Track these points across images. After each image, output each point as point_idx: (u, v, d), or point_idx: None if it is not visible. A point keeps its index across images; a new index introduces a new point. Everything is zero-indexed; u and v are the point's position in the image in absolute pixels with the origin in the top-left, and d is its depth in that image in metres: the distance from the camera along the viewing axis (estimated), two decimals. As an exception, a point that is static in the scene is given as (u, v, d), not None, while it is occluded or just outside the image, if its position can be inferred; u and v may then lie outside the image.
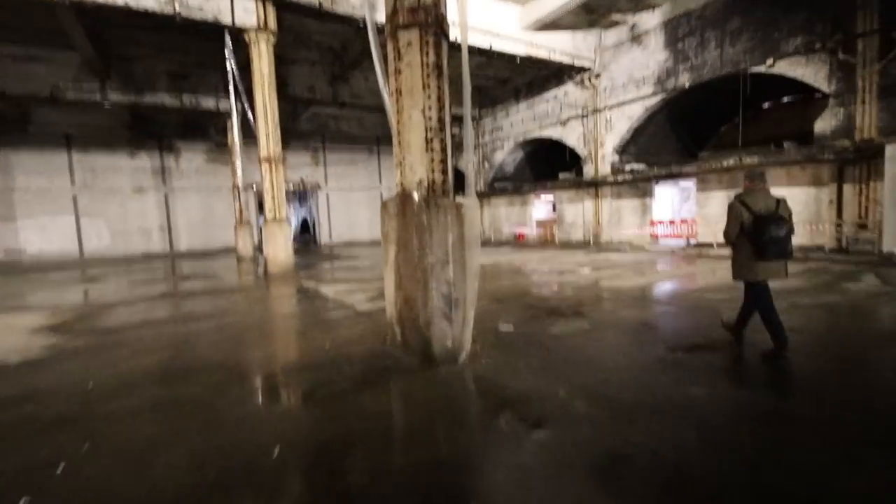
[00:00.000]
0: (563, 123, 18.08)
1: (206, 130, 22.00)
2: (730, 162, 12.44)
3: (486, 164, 23.10)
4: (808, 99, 16.24)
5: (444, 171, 3.68)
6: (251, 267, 12.85)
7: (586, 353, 3.87)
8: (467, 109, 3.82)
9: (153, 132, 21.20)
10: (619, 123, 15.99)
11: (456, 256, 3.59)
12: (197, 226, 22.31)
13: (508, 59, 15.02)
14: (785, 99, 16.77)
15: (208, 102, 16.94)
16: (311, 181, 26.00)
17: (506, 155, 21.94)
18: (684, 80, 13.80)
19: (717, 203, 13.06)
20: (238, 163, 16.71)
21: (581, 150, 17.57)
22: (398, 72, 3.58)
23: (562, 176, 18.84)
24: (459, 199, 3.76)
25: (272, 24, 10.12)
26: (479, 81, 20.78)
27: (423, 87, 3.53)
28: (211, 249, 21.83)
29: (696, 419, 2.53)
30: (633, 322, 4.88)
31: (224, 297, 7.53)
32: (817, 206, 11.33)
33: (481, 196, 23.51)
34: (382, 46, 3.85)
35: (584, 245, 16.81)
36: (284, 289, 8.48)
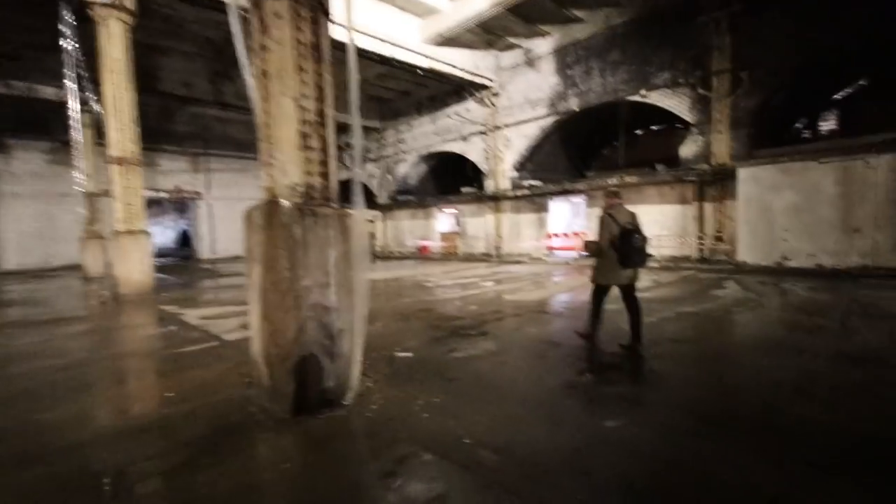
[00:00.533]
0: (465, 139, 18.31)
1: (49, 126, 18.28)
2: (613, 180, 13.47)
3: (390, 177, 22.57)
4: (672, 128, 18.52)
5: (326, 175, 3.04)
6: (101, 288, 10.60)
7: (493, 380, 3.46)
8: (355, 106, 3.24)
9: (-31, 124, 17.04)
10: (518, 141, 16.60)
11: (340, 278, 2.95)
12: (32, 239, 18.29)
13: (410, 70, 14.77)
14: (654, 127, 18.91)
15: (47, 91, 14.01)
16: (190, 189, 23.04)
17: (409, 168, 21.64)
18: (573, 103, 14.75)
19: (604, 218, 14.01)
20: (83, 164, 13.99)
21: (483, 166, 17.90)
22: (264, 49, 2.87)
23: (464, 190, 19.02)
24: (349, 209, 3.13)
25: (128, 1, 8.53)
26: (380, 92, 20.28)
27: (297, 70, 2.87)
28: (50, 268, 17.99)
29: (618, 465, 2.19)
30: (538, 340, 4.64)
31: (47, 331, 5.86)
32: (684, 221, 12.69)
33: (385, 209, 22.86)
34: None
35: (486, 257, 17.02)
36: (136, 316, 6.94)
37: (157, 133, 21.50)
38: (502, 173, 17.22)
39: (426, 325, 5.49)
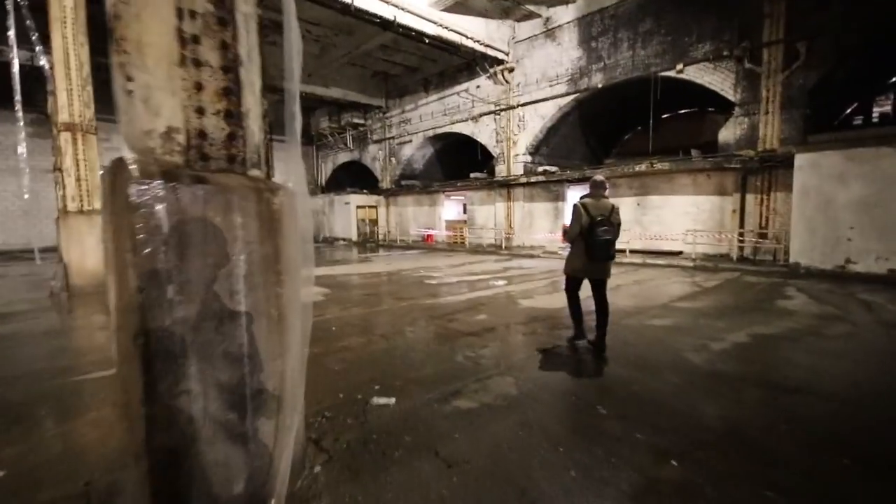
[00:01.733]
0: (476, 119, 16.83)
1: (33, 96, 17.00)
2: (641, 167, 12.01)
3: (393, 160, 21.16)
4: (702, 112, 16.92)
5: (235, 118, 1.72)
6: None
7: (517, 468, 2.16)
8: (295, 64, 1.92)
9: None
10: (533, 122, 15.11)
11: (259, 301, 1.66)
12: (14, 218, 17.19)
13: (416, 38, 13.28)
14: (683, 111, 17.29)
15: (8, 55, 12.63)
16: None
17: (414, 150, 20.21)
18: (597, 80, 13.21)
19: (627, 209, 12.61)
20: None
21: (494, 149, 16.46)
22: None
23: (473, 175, 17.61)
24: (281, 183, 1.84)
25: (81, -64, 7.15)
26: (385, 67, 18.78)
27: (174, -85, 1.53)
28: (31, 249, 16.83)
29: None
30: (570, 375, 3.34)
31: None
32: (721, 215, 11.24)
33: (388, 194, 21.51)
34: None
35: (495, 249, 15.68)
36: (79, 316, 5.73)
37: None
38: (515, 157, 15.77)
39: (422, 347, 4.20)
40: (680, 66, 11.47)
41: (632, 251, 11.84)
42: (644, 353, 3.83)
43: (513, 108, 15.44)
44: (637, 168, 12.05)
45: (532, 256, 13.23)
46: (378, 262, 12.61)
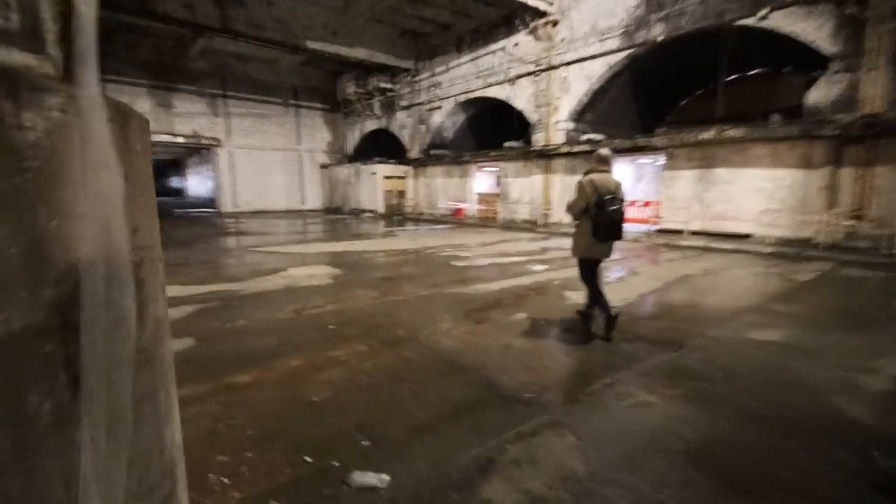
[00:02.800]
0: (512, 82, 15.21)
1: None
2: (708, 134, 10.29)
3: (423, 128, 19.83)
4: (776, 74, 14.67)
5: None
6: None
7: None
8: None
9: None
10: (577, 84, 13.41)
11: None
12: None
13: (448, -14, 11.75)
14: (753, 72, 15.04)
15: None
16: (209, 135, 21.26)
17: (444, 117, 18.79)
18: (657, 32, 11.35)
19: (686, 183, 10.98)
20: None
21: (531, 115, 14.87)
22: None
23: (508, 145, 16.12)
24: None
25: None
26: (414, 24, 17.26)
27: None
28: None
29: None
30: (680, 461, 2.19)
31: None
32: (805, 192, 9.49)
33: (416, 164, 20.31)
34: None
35: (530, 226, 14.37)
36: None
37: (170, 69, 19.59)
38: (555, 124, 14.17)
39: (441, 365, 3.15)
40: (764, 11, 9.52)
41: (692, 233, 10.32)
42: (767, 394, 2.62)
43: (555, 67, 13.74)
44: (703, 136, 10.34)
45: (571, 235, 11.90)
46: (403, 237, 11.61)
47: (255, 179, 22.65)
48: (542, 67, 14.11)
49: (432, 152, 19.56)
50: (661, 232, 11.23)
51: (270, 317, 4.15)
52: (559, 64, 13.64)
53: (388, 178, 20.22)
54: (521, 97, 15.14)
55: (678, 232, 10.82)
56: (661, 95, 15.62)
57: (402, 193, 20.75)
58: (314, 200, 24.60)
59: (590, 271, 3.69)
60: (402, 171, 20.58)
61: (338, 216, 20.26)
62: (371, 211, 20.56)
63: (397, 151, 21.53)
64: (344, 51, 17.21)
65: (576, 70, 13.35)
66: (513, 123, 16.42)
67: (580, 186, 3.52)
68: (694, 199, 10.89)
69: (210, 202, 24.41)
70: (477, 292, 5.25)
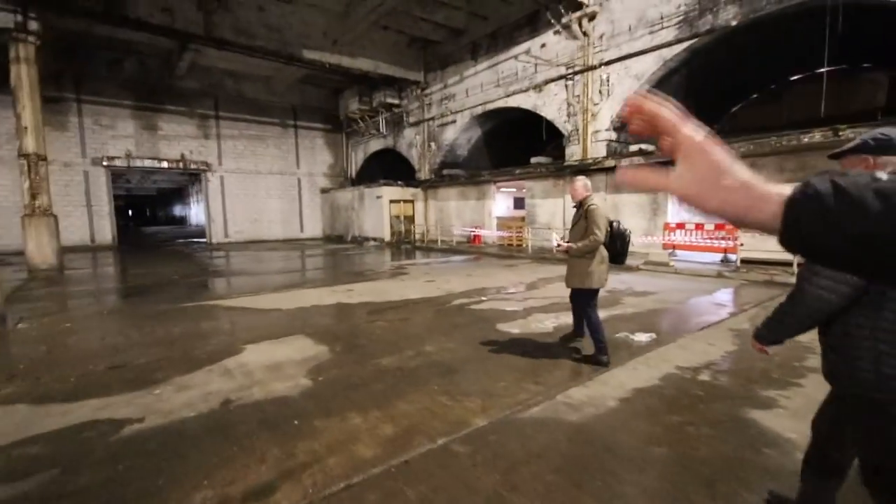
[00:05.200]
0: (539, 88, 13.08)
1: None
2: (812, 137, 7.92)
3: (433, 145, 17.71)
4: (852, 70, 12.40)
5: None
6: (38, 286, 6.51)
7: None
8: None
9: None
10: (622, 86, 11.22)
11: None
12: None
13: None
14: (821, 70, 12.78)
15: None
16: (198, 159, 19.26)
17: (458, 133, 16.67)
18: (729, 15, 9.16)
19: (777, 202, 8.54)
20: (24, 114, 10.17)
21: (563, 125, 12.67)
22: None
23: (535, 161, 13.87)
24: None
25: None
26: (423, 31, 15.32)
27: None
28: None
29: None
30: None
31: None
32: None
33: (426, 185, 18.09)
34: None
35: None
36: None
37: (157, 88, 17.74)
38: (594, 135, 11.93)
39: None
40: (883, -22, 7.30)
41: (766, 262, 7.82)
42: None
43: (593, 68, 11.58)
44: (805, 139, 7.98)
45: (629, 270, 9.41)
46: (416, 275, 9.20)
47: (249, 206, 20.54)
48: (577, 69, 11.97)
49: (444, 172, 17.36)
50: (748, 263, 8.71)
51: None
52: (598, 64, 11.48)
53: (394, 201, 17.98)
54: (550, 105, 12.97)
55: (768, 263, 8.31)
56: (712, 100, 13.39)
57: (410, 219, 18.47)
58: (313, 228, 22.40)
59: (594, 304, 3.64)
60: (411, 193, 18.36)
61: (339, 245, 17.93)
62: (376, 239, 18.25)
63: (405, 173, 19.37)
64: (345, 61, 15.24)
65: (619, 70, 11.17)
66: (539, 136, 14.23)
67: (601, 213, 3.47)
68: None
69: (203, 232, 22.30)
70: (587, 398, 2.77)
